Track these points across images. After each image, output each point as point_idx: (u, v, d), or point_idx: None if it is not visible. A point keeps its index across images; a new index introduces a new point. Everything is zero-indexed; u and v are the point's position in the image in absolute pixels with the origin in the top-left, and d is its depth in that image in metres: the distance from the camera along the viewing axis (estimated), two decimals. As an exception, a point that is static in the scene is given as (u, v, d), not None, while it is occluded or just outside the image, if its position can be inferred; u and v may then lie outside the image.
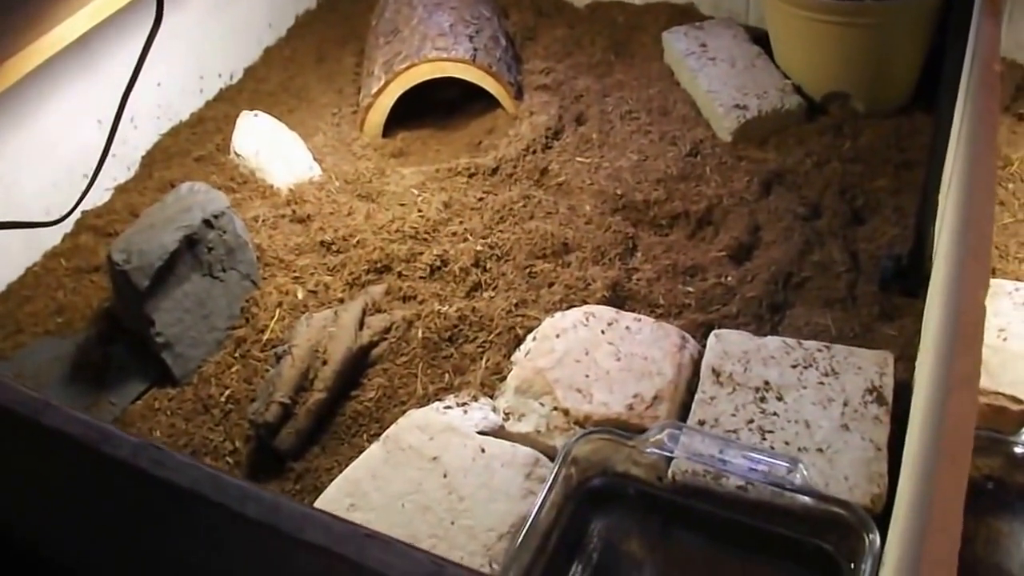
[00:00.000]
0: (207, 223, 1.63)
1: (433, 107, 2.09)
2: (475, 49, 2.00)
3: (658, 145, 1.92)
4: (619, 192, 1.81)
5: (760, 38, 2.11)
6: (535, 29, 2.35)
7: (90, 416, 0.76)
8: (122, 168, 2.05)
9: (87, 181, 1.91)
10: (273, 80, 2.31)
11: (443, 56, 1.96)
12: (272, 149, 1.95)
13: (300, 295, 1.67)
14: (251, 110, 2.04)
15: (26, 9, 1.71)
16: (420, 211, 1.80)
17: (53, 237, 1.91)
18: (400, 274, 1.70)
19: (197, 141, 2.11)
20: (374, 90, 1.99)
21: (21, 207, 1.84)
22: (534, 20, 2.37)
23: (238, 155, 1.97)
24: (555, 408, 1.40)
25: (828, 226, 1.72)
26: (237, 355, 1.62)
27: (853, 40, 1.87)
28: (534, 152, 1.92)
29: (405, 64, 1.97)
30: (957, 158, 1.38)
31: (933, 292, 1.41)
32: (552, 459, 1.34)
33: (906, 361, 1.44)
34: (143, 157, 2.09)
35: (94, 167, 1.87)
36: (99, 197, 1.98)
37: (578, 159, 1.91)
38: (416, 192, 1.85)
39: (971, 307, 0.83)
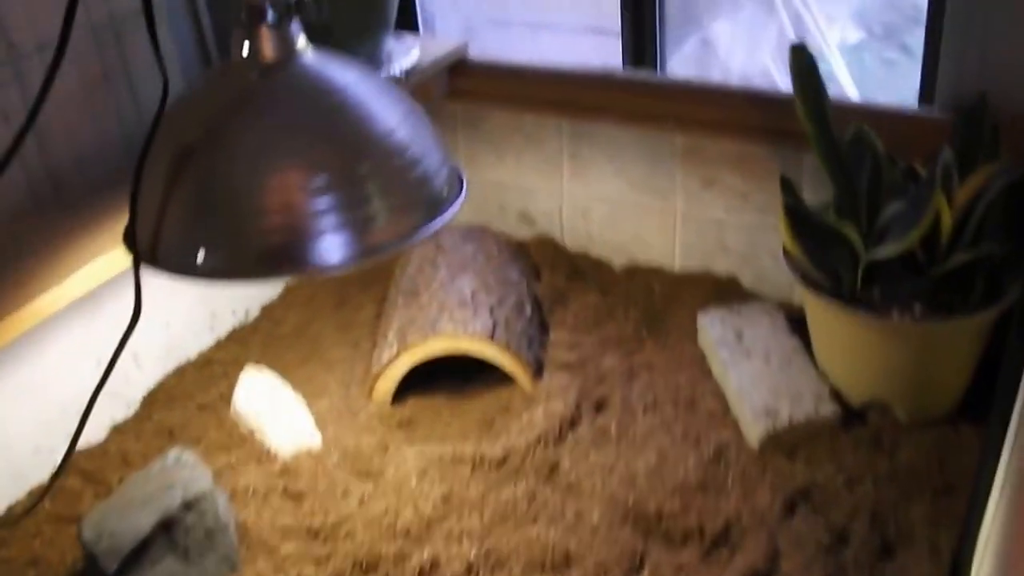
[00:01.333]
0: (187, 505, 1.63)
1: (449, 370, 2.07)
2: (495, 323, 2.00)
3: (680, 446, 1.89)
4: (631, 500, 1.76)
5: (801, 323, 2.09)
6: (566, 293, 2.35)
7: None
8: (121, 406, 2.06)
9: (80, 419, 1.93)
10: (289, 322, 2.33)
11: (459, 331, 1.96)
12: (273, 410, 1.96)
13: (279, 588, 1.64)
14: (263, 353, 2.05)
15: (20, 269, 1.73)
16: (416, 506, 1.77)
17: (40, 475, 1.91)
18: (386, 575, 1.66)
19: (202, 385, 2.12)
20: (385, 360, 1.99)
21: (8, 445, 1.85)
22: (565, 283, 2.38)
23: (238, 413, 1.98)
24: None
25: (854, 558, 1.66)
26: (204, 649, 1.58)
27: (900, 354, 1.86)
28: (546, 445, 1.89)
29: (417, 336, 1.97)
30: (1006, 491, 1.34)
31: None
32: None
33: None
34: (144, 397, 2.11)
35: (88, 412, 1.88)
36: (94, 435, 1.99)
37: (592, 456, 1.88)
38: (415, 481, 1.83)
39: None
